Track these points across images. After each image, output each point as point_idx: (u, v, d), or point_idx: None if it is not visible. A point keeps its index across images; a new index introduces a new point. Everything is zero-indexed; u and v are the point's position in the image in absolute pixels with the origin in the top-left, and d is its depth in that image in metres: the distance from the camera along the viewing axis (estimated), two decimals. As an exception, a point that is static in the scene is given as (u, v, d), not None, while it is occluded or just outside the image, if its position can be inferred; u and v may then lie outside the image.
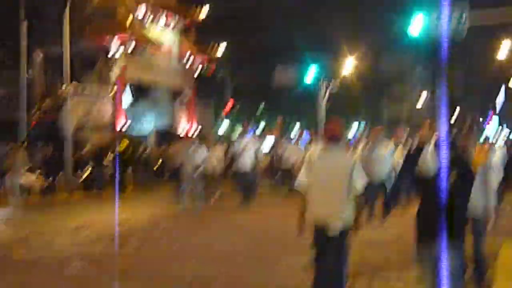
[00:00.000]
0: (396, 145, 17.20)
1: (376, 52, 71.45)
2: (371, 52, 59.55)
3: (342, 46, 46.32)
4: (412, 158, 6.79)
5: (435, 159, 6.00)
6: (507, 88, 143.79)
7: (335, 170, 6.59)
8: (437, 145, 6.09)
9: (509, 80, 68.10)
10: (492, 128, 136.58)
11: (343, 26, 56.69)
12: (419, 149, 6.45)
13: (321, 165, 6.68)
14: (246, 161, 18.69)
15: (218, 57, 37.38)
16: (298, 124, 62.31)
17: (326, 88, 40.70)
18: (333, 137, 6.77)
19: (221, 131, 44.45)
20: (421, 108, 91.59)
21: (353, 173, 6.58)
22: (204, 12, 34.61)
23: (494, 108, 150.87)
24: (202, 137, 21.88)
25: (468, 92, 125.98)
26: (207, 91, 41.18)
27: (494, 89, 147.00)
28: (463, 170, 6.27)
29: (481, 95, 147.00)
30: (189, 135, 30.91)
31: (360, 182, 6.64)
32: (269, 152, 25.89)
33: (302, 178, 6.76)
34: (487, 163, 7.54)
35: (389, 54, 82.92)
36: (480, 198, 7.36)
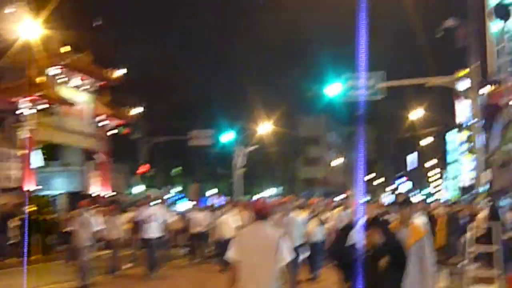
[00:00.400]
0: (312, 214, 17.05)
1: (292, 116, 72.89)
2: (287, 117, 60.45)
3: (259, 111, 46.63)
4: (342, 236, 6.69)
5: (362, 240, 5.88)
6: (419, 154, 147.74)
7: (262, 246, 6.70)
8: (367, 225, 5.95)
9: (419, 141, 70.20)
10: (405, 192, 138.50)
11: (260, 91, 57.65)
12: (349, 227, 6.38)
13: (249, 241, 6.80)
14: (153, 229, 17.92)
15: (134, 119, 36.76)
16: (215, 190, 61.96)
17: (243, 152, 40.62)
18: (261, 214, 6.88)
19: (136, 195, 43.52)
20: (336, 170, 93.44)
21: (280, 247, 6.67)
22: (119, 74, 34.05)
23: (407, 173, 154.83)
24: (111, 202, 21.07)
25: (381, 155, 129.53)
26: (121, 153, 40.40)
27: (406, 153, 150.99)
28: (395, 254, 5.99)
29: (394, 159, 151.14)
30: (100, 198, 30.00)
31: (286, 255, 6.69)
32: (182, 216, 25.24)
33: (231, 252, 6.81)
34: (421, 239, 6.87)
35: (304, 118, 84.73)
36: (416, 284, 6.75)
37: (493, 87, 25.76)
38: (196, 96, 51.75)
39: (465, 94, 21.97)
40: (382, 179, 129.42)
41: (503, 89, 26.13)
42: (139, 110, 36.13)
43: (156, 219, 17.79)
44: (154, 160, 43.92)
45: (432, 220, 20.77)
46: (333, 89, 22.87)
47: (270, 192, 71.59)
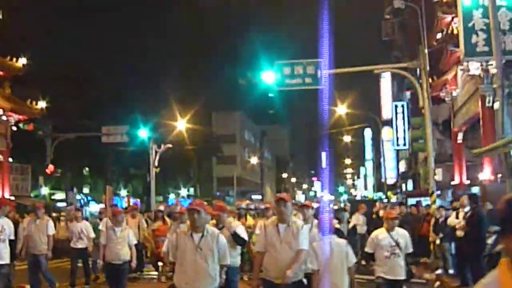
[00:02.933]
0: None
1: (207, 115, 70.51)
2: (203, 114, 58.03)
3: (174, 107, 44.09)
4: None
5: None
6: (327, 155, 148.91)
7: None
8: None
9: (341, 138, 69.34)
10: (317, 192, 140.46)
11: (175, 88, 54.81)
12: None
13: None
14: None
15: (38, 115, 33.03)
16: (124, 192, 58.71)
17: (156, 151, 37.77)
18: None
19: (40, 198, 39.71)
20: (250, 168, 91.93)
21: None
22: (21, 64, 30.25)
23: (322, 171, 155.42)
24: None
25: (296, 154, 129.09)
26: (25, 152, 36.64)
27: (317, 153, 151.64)
28: None
29: (309, 157, 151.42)
30: None
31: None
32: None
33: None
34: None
35: (220, 115, 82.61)
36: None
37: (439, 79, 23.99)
38: (108, 91, 48.35)
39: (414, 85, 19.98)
40: (295, 179, 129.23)
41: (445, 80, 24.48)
42: (44, 104, 32.42)
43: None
44: (61, 160, 40.20)
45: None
46: (269, 77, 20.52)
47: (184, 192, 69.06)
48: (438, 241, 16.36)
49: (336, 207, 24.60)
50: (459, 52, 20.71)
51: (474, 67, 20.33)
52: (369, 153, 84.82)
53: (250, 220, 15.93)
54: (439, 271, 16.56)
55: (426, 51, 19.00)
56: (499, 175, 19.45)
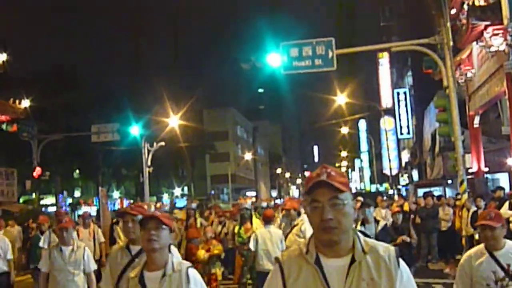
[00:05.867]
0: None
1: (199, 112, 68.81)
2: (194, 110, 56.38)
3: (165, 105, 42.26)
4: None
5: None
6: (319, 148, 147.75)
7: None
8: None
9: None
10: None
11: (166, 84, 53.03)
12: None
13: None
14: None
15: (23, 115, 30.97)
16: (117, 193, 56.87)
17: (149, 150, 35.84)
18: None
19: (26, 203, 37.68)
20: (244, 165, 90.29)
21: None
22: (0, 61, 28.23)
23: (310, 168, 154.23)
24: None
25: (288, 148, 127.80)
26: (9, 156, 34.60)
27: (316, 144, 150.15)
28: None
29: (301, 151, 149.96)
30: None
31: None
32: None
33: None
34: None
35: (211, 112, 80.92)
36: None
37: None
38: (96, 88, 46.40)
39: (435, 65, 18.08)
40: (289, 174, 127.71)
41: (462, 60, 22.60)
42: (27, 104, 30.45)
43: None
44: (49, 162, 38.13)
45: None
46: (275, 59, 18.58)
47: (178, 191, 67.39)
48: (477, 236, 14.50)
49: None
50: (481, 26, 18.89)
51: (498, 42, 18.53)
52: (364, 145, 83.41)
53: (256, 223, 12.42)
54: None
55: (448, 24, 17.13)
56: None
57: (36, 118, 34.27)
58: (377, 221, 10.15)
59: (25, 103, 30.55)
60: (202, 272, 11.48)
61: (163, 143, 37.08)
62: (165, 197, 64.16)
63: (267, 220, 10.15)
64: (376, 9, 49.85)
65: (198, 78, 71.84)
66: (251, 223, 12.13)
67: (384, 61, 49.07)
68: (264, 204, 14.30)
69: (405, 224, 13.54)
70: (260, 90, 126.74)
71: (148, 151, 35.90)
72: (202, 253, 11.19)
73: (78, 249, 8.01)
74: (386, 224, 10.80)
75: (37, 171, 34.16)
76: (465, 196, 16.49)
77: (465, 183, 17.16)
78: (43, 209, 41.25)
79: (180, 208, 25.89)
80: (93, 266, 8.22)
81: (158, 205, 16.71)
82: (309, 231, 12.49)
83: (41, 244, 11.25)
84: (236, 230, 12.10)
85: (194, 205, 15.56)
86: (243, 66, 18.85)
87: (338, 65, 18.19)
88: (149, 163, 36.09)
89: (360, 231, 8.86)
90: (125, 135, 36.42)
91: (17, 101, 30.24)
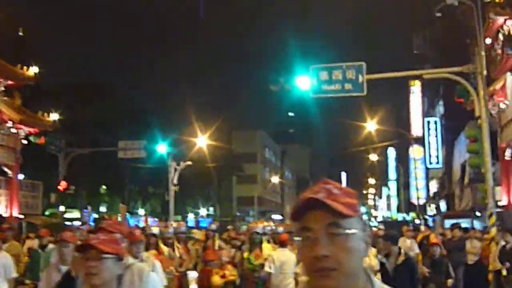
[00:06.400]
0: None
1: (227, 133, 68.73)
2: (222, 131, 56.30)
3: (193, 125, 42.24)
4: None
5: None
6: (347, 175, 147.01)
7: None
8: None
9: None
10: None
11: (195, 103, 53.17)
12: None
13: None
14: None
15: (51, 128, 31.10)
16: (142, 211, 56.82)
17: (175, 169, 35.76)
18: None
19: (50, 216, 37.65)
20: (271, 188, 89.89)
21: None
22: (32, 73, 28.31)
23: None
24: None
25: (316, 173, 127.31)
26: (36, 168, 34.65)
27: (346, 170, 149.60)
28: None
29: (330, 177, 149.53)
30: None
31: None
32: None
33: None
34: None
35: (240, 133, 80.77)
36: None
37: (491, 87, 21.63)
38: (125, 104, 46.52)
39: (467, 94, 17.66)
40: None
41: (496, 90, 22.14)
42: (56, 117, 30.56)
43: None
44: (75, 176, 38.20)
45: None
46: (304, 82, 18.32)
47: (203, 212, 67.13)
48: (504, 272, 13.97)
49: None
50: (516, 56, 18.53)
51: (533, 73, 18.17)
52: (392, 173, 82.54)
53: (267, 249, 11.63)
54: (505, 307, 14.19)
55: (483, 53, 16.75)
56: None
57: (64, 131, 34.39)
58: (399, 253, 8.96)
59: (54, 116, 30.65)
60: None
61: (190, 162, 37.00)
62: (191, 217, 63.95)
63: (282, 244, 9.92)
64: (410, 36, 49.49)
65: (228, 99, 72.05)
66: (261, 249, 11.22)
67: (415, 89, 48.58)
68: (280, 229, 13.74)
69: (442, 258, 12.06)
70: (291, 114, 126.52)
71: (175, 170, 35.82)
72: (217, 279, 10.74)
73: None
74: (409, 257, 9.45)
75: (63, 184, 34.26)
76: (494, 229, 15.96)
77: (494, 216, 16.64)
78: (67, 223, 41.28)
79: (200, 228, 25.57)
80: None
81: (175, 224, 16.04)
82: None
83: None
84: (245, 255, 11.13)
85: (214, 226, 14.86)
86: (272, 87, 18.63)
87: (368, 91, 17.90)
88: (175, 181, 36.00)
89: (381, 263, 8.40)
90: (152, 152, 36.45)
91: (45, 114, 30.43)
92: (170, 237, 11.87)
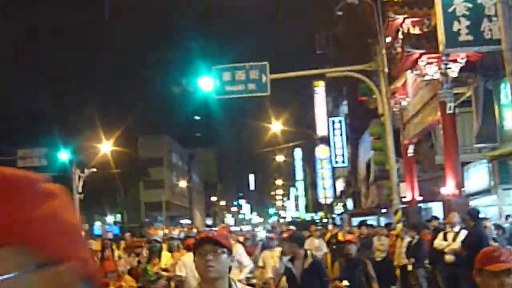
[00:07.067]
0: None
1: (133, 138, 67.45)
2: (128, 136, 55.15)
3: (97, 130, 40.98)
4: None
5: None
6: (255, 176, 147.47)
7: None
8: None
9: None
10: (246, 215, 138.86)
11: (98, 108, 51.73)
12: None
13: None
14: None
15: None
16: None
17: (79, 176, 34.59)
18: None
19: None
20: (179, 193, 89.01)
21: None
22: None
23: (250, 192, 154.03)
24: None
25: (223, 176, 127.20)
26: None
27: (251, 172, 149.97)
28: None
29: (236, 179, 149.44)
30: None
31: None
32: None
33: None
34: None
35: (146, 138, 79.43)
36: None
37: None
38: (23, 110, 44.70)
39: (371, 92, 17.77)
40: (224, 202, 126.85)
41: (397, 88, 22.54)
42: None
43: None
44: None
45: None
46: (207, 83, 17.97)
47: (110, 219, 65.56)
48: (410, 267, 14.15)
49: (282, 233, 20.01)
50: (415, 54, 18.86)
51: (433, 71, 18.53)
52: (299, 173, 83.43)
53: (166, 257, 11.01)
54: (412, 302, 14.37)
55: (384, 51, 16.93)
56: (463, 189, 17.64)
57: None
58: (305, 255, 8.37)
59: None
60: None
61: (94, 169, 35.91)
62: (98, 225, 62.31)
63: (189, 248, 9.48)
64: (313, 36, 50.07)
65: (132, 103, 70.58)
66: (159, 258, 10.25)
67: (319, 89, 49.15)
68: (176, 234, 13.09)
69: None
70: (197, 118, 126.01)
71: (79, 178, 34.66)
72: None
73: None
74: (315, 260, 8.76)
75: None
76: (400, 225, 16.17)
77: (400, 212, 16.86)
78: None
79: (95, 237, 24.43)
80: None
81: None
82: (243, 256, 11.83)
83: None
84: (143, 266, 10.23)
85: (110, 234, 14.04)
86: (174, 89, 18.30)
87: (272, 92, 17.77)
88: (79, 189, 34.81)
89: (286, 268, 8.09)
90: (54, 160, 35.10)
91: None
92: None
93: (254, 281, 11.73)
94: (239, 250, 10.86)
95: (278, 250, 11.82)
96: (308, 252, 8.92)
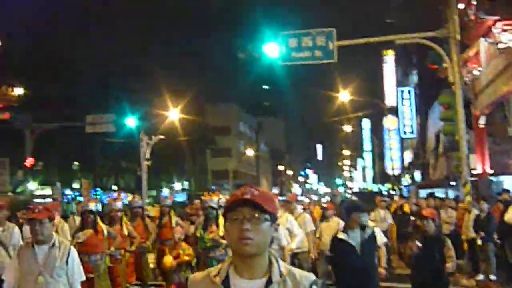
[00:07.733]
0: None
1: (201, 105, 67.93)
2: (196, 104, 55.52)
3: (164, 97, 41.22)
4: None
5: None
6: (323, 146, 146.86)
7: None
8: None
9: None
10: (313, 185, 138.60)
11: (166, 75, 52.16)
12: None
13: None
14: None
15: (16, 102, 30.24)
16: (115, 186, 56.04)
17: (147, 143, 34.90)
18: None
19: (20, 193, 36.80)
20: (246, 161, 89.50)
21: None
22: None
23: (318, 162, 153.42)
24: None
25: (290, 146, 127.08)
26: (1, 145, 33.72)
27: (318, 142, 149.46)
28: None
29: (304, 149, 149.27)
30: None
31: None
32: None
33: None
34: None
35: (214, 106, 79.92)
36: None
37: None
38: (93, 77, 45.44)
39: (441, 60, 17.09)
40: (291, 171, 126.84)
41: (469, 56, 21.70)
42: (21, 91, 29.65)
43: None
44: (44, 153, 37.24)
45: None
46: (273, 50, 17.73)
47: (178, 186, 66.58)
48: (479, 241, 13.66)
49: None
50: (489, 21, 18.06)
51: (508, 38, 17.71)
52: (367, 144, 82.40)
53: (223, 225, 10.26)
54: (480, 277, 13.90)
55: (455, 17, 16.25)
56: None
57: (30, 106, 33.40)
58: (363, 227, 7.63)
59: (19, 90, 29.77)
60: (170, 283, 10.00)
61: (162, 136, 36.20)
62: (165, 191, 63.35)
63: None
64: (381, 3, 48.91)
65: (199, 71, 70.89)
66: (217, 225, 9.41)
67: (388, 58, 48.11)
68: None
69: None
70: (265, 87, 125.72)
71: (147, 144, 35.01)
72: (169, 261, 9.62)
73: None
74: (373, 231, 7.95)
75: (30, 161, 33.38)
76: (469, 198, 15.63)
77: (468, 185, 16.28)
78: (38, 200, 40.44)
79: (153, 205, 24.35)
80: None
81: (130, 198, 14.94)
82: (309, 223, 11.68)
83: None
84: (199, 233, 9.36)
85: (169, 201, 13.54)
86: (240, 55, 18.05)
87: (340, 59, 17.37)
88: (147, 156, 35.20)
89: (339, 239, 7.75)
90: (121, 126, 35.59)
91: (10, 88, 29.57)
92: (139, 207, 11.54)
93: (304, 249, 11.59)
94: (289, 218, 10.72)
95: (335, 220, 11.64)
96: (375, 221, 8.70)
